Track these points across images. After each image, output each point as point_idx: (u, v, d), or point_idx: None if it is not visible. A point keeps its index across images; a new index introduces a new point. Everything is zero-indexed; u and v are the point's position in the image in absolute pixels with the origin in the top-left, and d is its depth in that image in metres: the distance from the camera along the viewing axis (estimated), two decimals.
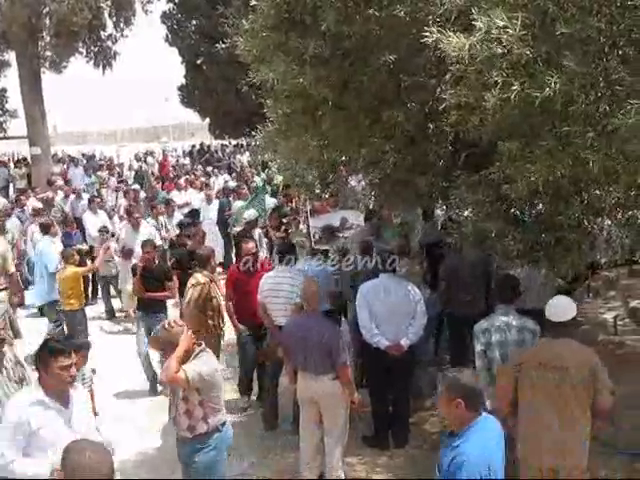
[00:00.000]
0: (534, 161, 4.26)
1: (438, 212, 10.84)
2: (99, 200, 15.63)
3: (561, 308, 5.00)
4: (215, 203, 15.93)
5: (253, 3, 5.88)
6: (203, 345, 5.12)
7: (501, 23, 3.81)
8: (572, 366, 4.80)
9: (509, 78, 3.88)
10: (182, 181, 19.83)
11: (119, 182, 22.51)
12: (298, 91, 5.75)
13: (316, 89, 5.58)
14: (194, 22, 29.41)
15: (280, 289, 7.40)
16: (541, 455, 4.84)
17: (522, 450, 4.95)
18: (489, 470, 3.71)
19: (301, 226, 13.57)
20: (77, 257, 9.89)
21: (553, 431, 4.81)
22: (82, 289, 10.06)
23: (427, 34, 4.37)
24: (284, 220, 13.84)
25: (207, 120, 34.08)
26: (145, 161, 31.12)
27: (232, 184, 19.07)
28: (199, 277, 7.85)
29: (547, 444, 4.81)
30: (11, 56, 26.82)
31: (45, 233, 11.25)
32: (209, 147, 37.84)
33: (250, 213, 13.24)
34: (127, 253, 11.47)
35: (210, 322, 7.75)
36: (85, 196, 16.94)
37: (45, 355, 4.33)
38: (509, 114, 4.02)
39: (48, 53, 24.25)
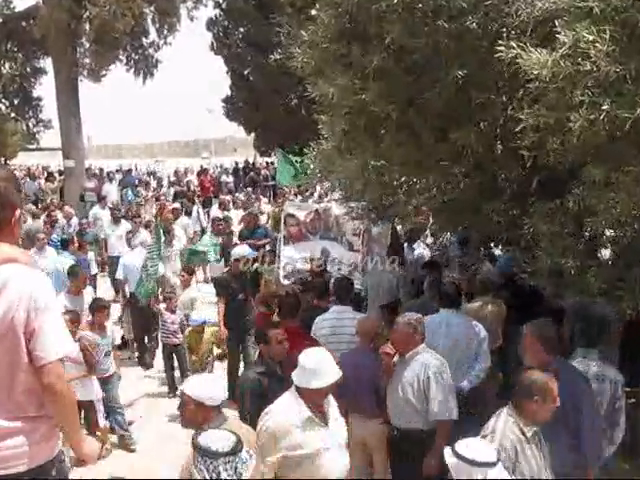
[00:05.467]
0: (619, 189, 4.22)
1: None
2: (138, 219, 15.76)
3: None
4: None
5: (313, 12, 5.98)
6: None
7: (590, 37, 3.79)
8: None
9: (596, 97, 3.86)
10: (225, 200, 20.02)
11: (156, 199, 22.88)
12: (359, 107, 5.79)
13: (378, 105, 5.62)
14: (242, 30, 29.83)
15: (342, 332, 7.05)
16: None
17: None
18: None
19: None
20: None
21: None
22: None
23: (502, 48, 4.40)
24: None
25: (252, 135, 34.49)
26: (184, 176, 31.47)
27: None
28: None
29: None
30: (47, 63, 27.66)
31: None
32: (253, 164, 38.19)
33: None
34: None
35: None
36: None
37: None
38: (595, 137, 3.99)
39: (87, 60, 24.74)
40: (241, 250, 10.61)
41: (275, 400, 4.95)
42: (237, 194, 24.44)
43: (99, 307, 8.43)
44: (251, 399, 5.62)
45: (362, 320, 6.62)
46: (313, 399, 4.83)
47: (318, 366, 4.79)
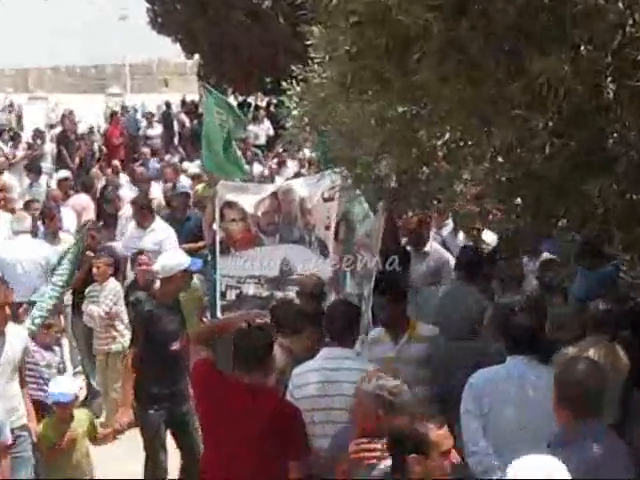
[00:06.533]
0: None
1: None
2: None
3: None
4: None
5: None
6: None
7: None
8: None
9: None
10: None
11: (30, 163, 22.88)
12: (376, 15, 5.80)
13: (409, 12, 5.60)
14: None
15: (339, 392, 6.98)
16: None
17: None
18: None
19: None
20: None
21: None
22: None
23: None
24: None
25: (195, 58, 34.48)
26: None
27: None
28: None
29: None
30: None
31: None
32: (196, 107, 38.07)
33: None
34: None
35: None
36: None
37: None
38: None
39: None
40: (172, 261, 9.59)
41: None
42: (168, 156, 24.41)
43: None
44: None
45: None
46: None
47: None
